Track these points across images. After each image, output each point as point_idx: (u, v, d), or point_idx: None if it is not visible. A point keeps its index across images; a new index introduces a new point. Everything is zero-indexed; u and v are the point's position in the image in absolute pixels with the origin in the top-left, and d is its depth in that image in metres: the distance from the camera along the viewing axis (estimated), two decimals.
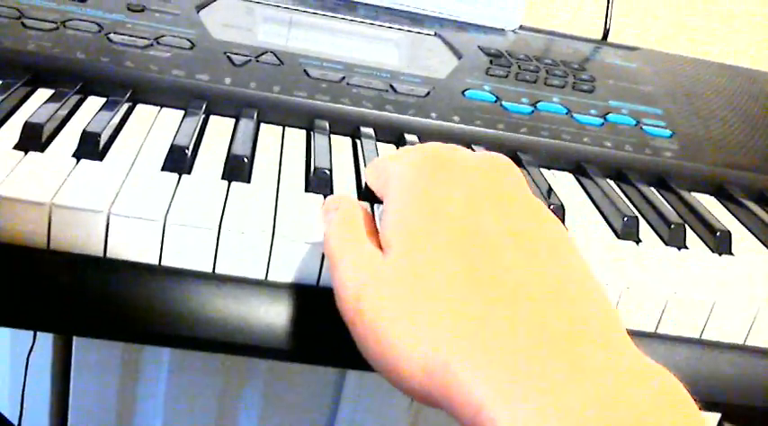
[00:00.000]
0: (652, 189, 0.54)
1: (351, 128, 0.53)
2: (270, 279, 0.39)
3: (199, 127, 0.48)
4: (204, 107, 0.50)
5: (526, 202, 0.33)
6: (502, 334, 0.27)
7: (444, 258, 0.30)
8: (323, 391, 1.06)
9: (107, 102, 0.48)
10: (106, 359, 1.00)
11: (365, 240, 0.33)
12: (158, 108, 0.51)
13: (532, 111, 0.57)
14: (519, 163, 0.54)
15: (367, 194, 0.44)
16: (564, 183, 0.54)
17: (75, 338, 0.98)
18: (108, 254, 0.38)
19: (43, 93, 0.49)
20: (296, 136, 0.52)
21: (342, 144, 0.52)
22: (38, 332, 0.92)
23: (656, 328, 0.42)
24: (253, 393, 1.05)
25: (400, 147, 0.40)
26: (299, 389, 1.05)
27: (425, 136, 0.53)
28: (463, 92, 0.57)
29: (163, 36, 0.54)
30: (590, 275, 0.31)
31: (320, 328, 0.39)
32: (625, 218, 0.47)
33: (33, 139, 0.42)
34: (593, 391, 0.25)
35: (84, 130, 0.42)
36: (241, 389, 1.05)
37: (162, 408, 1.04)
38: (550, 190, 0.49)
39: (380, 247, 0.32)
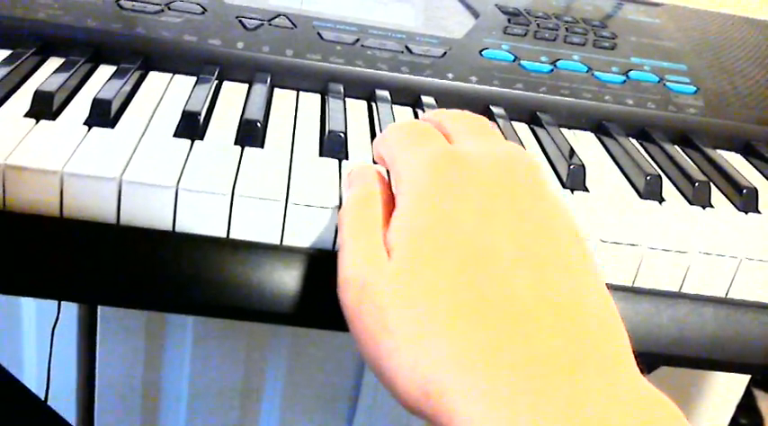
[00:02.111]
0: (676, 147, 0.53)
1: (366, 91, 0.52)
2: (284, 243, 0.39)
3: (211, 92, 0.47)
4: (217, 72, 0.49)
5: (542, 211, 0.31)
6: (503, 364, 0.26)
7: (449, 277, 0.28)
8: (346, 372, 1.06)
9: (118, 69, 0.47)
10: (131, 329, 1.00)
11: (378, 229, 0.32)
12: (170, 74, 0.50)
13: (552, 70, 0.56)
14: (539, 123, 0.52)
15: None
16: (585, 143, 0.53)
17: (99, 309, 0.99)
18: (121, 221, 0.38)
19: (54, 62, 0.48)
20: (310, 100, 0.51)
21: (357, 107, 0.51)
22: (62, 305, 0.93)
23: (681, 287, 0.41)
24: (278, 359, 1.05)
25: (410, 121, 0.38)
26: (322, 370, 1.06)
27: (442, 97, 0.52)
28: (481, 51, 0.56)
29: (174, 1, 0.54)
30: (602, 292, 0.29)
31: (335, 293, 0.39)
32: (648, 177, 0.46)
33: (45, 107, 0.41)
34: (594, 421, 0.24)
35: (95, 98, 0.42)
36: (266, 355, 1.05)
37: (188, 376, 1.05)
38: (572, 151, 0.48)
39: None
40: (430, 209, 0.30)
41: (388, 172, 0.37)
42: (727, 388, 1.06)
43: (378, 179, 0.35)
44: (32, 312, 1.00)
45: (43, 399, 0.88)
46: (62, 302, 0.94)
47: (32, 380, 1.01)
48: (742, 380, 1.06)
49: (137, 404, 1.06)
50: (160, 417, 1.08)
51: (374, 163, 0.42)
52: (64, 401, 1.03)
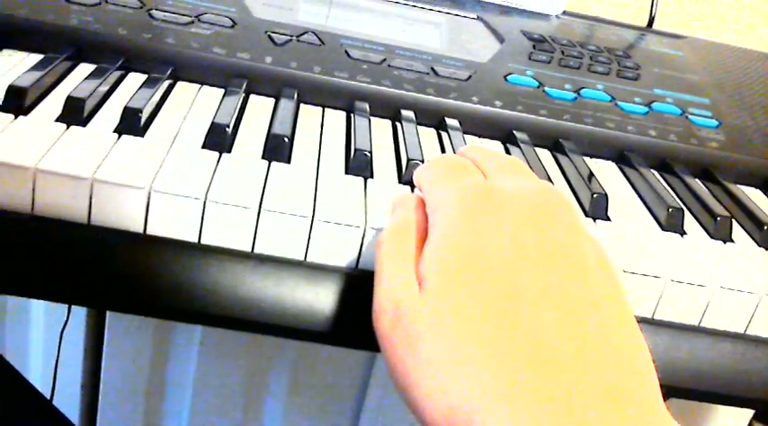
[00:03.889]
0: (697, 180, 0.53)
1: (391, 111, 0.52)
2: (308, 260, 0.39)
3: (239, 105, 0.47)
4: (245, 86, 0.50)
5: (572, 247, 0.31)
6: (530, 398, 0.26)
7: (479, 311, 0.29)
8: (352, 373, 1.06)
9: (148, 78, 0.48)
10: (138, 336, 1.00)
11: (413, 258, 0.32)
12: (198, 85, 0.51)
13: (576, 98, 0.56)
14: (561, 150, 0.53)
15: (408, 181, 0.44)
16: (607, 172, 0.53)
17: (108, 314, 0.99)
18: (148, 231, 0.38)
19: (85, 68, 0.49)
20: (336, 117, 0.51)
21: (382, 126, 0.51)
22: (72, 309, 0.93)
23: (700, 322, 0.41)
24: (281, 373, 1.05)
25: (449, 155, 0.39)
26: (327, 371, 1.06)
27: (467, 120, 0.52)
28: (505, 76, 0.56)
29: (204, 13, 0.54)
30: (631, 329, 0.30)
31: (358, 311, 0.39)
32: (670, 209, 0.46)
33: (76, 113, 0.42)
34: None
35: (126, 106, 0.42)
36: (269, 369, 1.05)
37: (191, 385, 1.05)
38: (594, 179, 0.48)
39: None
40: (461, 242, 0.31)
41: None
42: (732, 421, 1.05)
43: (416, 208, 0.36)
44: (41, 312, 1.00)
45: (48, 398, 0.88)
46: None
47: (38, 379, 1.01)
48: (746, 413, 1.05)
49: (140, 405, 1.05)
50: (164, 418, 1.08)
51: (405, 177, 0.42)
52: (68, 401, 1.03)
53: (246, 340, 1.02)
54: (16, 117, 0.41)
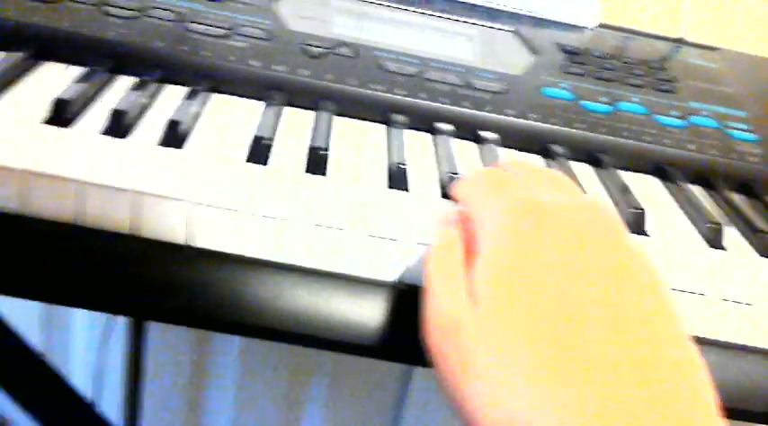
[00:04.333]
0: (737, 195, 0.52)
1: (427, 124, 0.52)
2: (350, 273, 0.39)
3: (279, 119, 0.48)
4: (282, 98, 0.50)
5: (622, 263, 0.31)
6: (582, 414, 0.26)
7: (533, 327, 0.29)
8: (391, 382, 1.06)
9: (188, 91, 0.48)
10: (179, 342, 1.01)
11: (462, 273, 0.32)
12: (235, 97, 0.51)
13: (611, 111, 0.56)
14: (598, 163, 0.52)
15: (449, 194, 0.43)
16: (644, 186, 0.52)
17: (149, 326, 1.00)
18: (189, 242, 0.38)
19: (124, 81, 0.49)
20: (373, 129, 0.51)
21: (418, 139, 0.51)
22: (116, 318, 0.94)
23: (748, 341, 0.41)
24: (320, 383, 1.05)
25: (490, 169, 0.39)
26: (366, 380, 1.06)
27: (502, 133, 0.52)
28: (540, 89, 0.56)
29: (240, 26, 0.54)
30: (684, 345, 0.29)
31: (401, 325, 0.39)
32: (711, 225, 0.46)
33: (119, 126, 0.42)
34: None
35: (169, 119, 0.42)
36: (309, 379, 1.05)
37: (232, 395, 1.05)
38: (631, 194, 0.48)
39: None
40: (512, 258, 0.31)
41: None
42: None
43: (462, 223, 0.36)
44: (84, 320, 1.01)
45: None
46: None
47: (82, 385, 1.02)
48: None
49: (181, 414, 1.06)
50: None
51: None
52: (110, 408, 1.03)
53: (286, 350, 1.03)
54: (61, 129, 0.41)
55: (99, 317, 1.00)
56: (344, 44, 0.55)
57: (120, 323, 0.99)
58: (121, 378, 1.02)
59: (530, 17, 0.68)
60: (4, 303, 0.68)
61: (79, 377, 1.02)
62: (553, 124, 0.53)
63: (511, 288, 0.30)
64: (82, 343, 1.03)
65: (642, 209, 0.46)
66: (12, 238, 0.38)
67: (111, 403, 1.02)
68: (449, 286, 0.32)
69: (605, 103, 0.56)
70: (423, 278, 0.34)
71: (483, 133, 0.52)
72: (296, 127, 0.48)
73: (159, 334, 1.01)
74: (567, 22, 0.69)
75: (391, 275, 0.39)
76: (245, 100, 0.51)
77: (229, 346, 1.03)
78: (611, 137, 0.53)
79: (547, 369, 0.27)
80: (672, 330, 0.29)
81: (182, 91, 0.49)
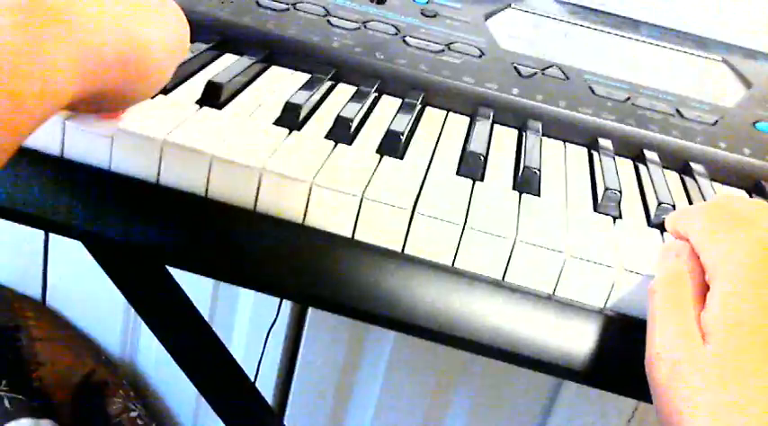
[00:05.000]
0: None
1: (634, 151, 0.52)
2: (556, 294, 0.39)
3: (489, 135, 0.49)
4: (492, 115, 0.51)
5: None
6: None
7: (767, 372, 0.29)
8: (536, 397, 1.06)
9: (403, 103, 0.50)
10: (334, 337, 1.05)
11: (691, 308, 0.32)
12: (446, 112, 0.53)
13: None
14: None
15: (658, 224, 0.43)
16: None
17: (308, 317, 1.05)
18: (406, 251, 0.40)
19: (343, 88, 0.52)
20: (578, 153, 0.51)
21: (623, 165, 0.51)
22: (280, 308, 0.99)
23: None
24: (465, 391, 1.06)
25: (716, 203, 0.38)
26: (511, 392, 1.06)
27: (711, 166, 0.51)
28: (754, 123, 0.55)
29: (454, 42, 0.56)
30: None
31: (605, 351, 0.39)
32: None
33: (344, 132, 0.45)
34: None
35: (388, 129, 0.45)
36: (454, 386, 1.06)
37: (378, 392, 1.08)
38: None
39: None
40: (753, 299, 0.30)
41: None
42: None
43: (690, 258, 0.35)
44: (249, 308, 1.07)
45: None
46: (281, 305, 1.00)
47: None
48: None
49: (328, 404, 1.10)
50: (347, 419, 1.12)
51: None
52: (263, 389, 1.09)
53: (435, 354, 1.04)
54: (290, 132, 0.44)
55: (265, 301, 1.05)
56: (554, 66, 0.56)
57: (285, 309, 1.04)
58: (278, 362, 1.07)
59: (742, 48, 0.66)
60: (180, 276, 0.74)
61: (238, 350, 1.08)
62: (767, 161, 0.52)
63: (751, 329, 0.30)
64: (245, 323, 1.09)
65: None
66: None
67: (263, 386, 1.07)
68: (678, 320, 0.32)
69: None
70: (648, 308, 0.34)
71: (693, 165, 0.51)
72: (504, 144, 0.50)
73: (318, 324, 1.06)
74: None
75: (599, 300, 0.39)
76: (454, 114, 0.52)
77: (383, 342, 1.06)
78: None
79: None
80: None
81: (396, 102, 0.51)
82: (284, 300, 1.00)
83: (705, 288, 0.33)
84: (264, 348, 1.00)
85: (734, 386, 0.28)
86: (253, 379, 0.99)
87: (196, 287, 0.82)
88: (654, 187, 0.46)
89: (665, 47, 0.64)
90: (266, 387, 1.10)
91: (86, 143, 0.41)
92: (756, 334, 0.29)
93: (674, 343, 0.31)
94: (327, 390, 1.10)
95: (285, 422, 1.09)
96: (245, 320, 1.07)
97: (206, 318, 0.82)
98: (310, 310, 1.04)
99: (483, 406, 1.07)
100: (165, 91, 0.46)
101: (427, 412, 1.09)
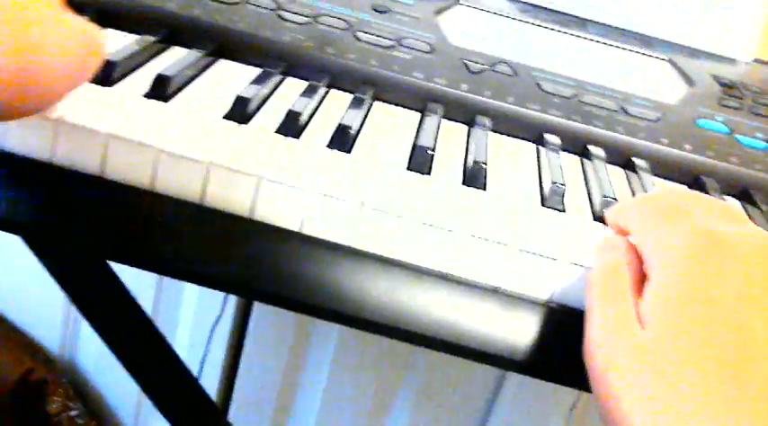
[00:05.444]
0: None
1: (579, 147, 0.53)
2: (504, 287, 0.40)
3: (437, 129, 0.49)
4: (441, 110, 0.51)
5: None
6: None
7: (704, 362, 0.29)
8: (479, 390, 1.07)
9: (354, 98, 0.50)
10: (278, 333, 1.04)
11: (628, 297, 0.33)
12: (395, 107, 0.53)
13: (767, 148, 0.55)
14: (751, 201, 0.52)
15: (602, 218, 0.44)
16: None
17: (254, 312, 1.04)
18: (359, 247, 0.40)
19: (293, 82, 0.52)
20: (525, 148, 0.52)
21: (568, 160, 0.52)
22: (226, 303, 0.99)
23: None
24: (410, 384, 1.07)
25: (656, 195, 0.39)
26: (455, 385, 1.07)
27: (654, 162, 0.52)
28: (695, 120, 0.56)
29: (404, 38, 0.56)
30: None
31: (550, 343, 0.39)
32: None
33: (293, 125, 0.44)
34: None
35: (339, 124, 0.45)
36: (400, 380, 1.07)
37: (323, 387, 1.08)
38: None
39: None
40: (689, 286, 0.31)
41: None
42: None
43: (628, 250, 0.36)
44: (193, 303, 1.06)
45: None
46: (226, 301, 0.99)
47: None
48: None
49: (273, 400, 1.09)
50: (292, 415, 1.12)
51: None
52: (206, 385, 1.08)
53: (380, 348, 1.05)
54: (239, 126, 0.44)
55: (210, 296, 1.04)
56: (503, 62, 0.57)
57: (230, 304, 1.03)
58: (222, 358, 1.07)
59: (686, 47, 0.68)
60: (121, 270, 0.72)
61: (181, 347, 1.07)
62: (707, 156, 0.53)
63: (686, 314, 0.30)
64: (189, 318, 1.08)
65: None
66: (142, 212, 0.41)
67: (207, 382, 1.06)
68: (616, 308, 0.33)
69: (761, 140, 0.55)
70: (587, 299, 0.35)
71: (636, 160, 0.52)
72: (451, 139, 0.50)
73: (263, 318, 1.05)
74: (721, 53, 0.68)
75: (544, 293, 0.40)
76: (403, 109, 0.53)
77: (328, 337, 1.06)
78: (766, 175, 0.53)
79: (717, 399, 0.28)
80: None
81: (346, 97, 0.51)
82: (229, 295, 0.99)
83: (643, 278, 0.34)
84: (209, 344, 0.99)
85: (670, 368, 0.29)
86: (196, 375, 0.98)
87: (139, 282, 0.81)
88: (598, 181, 0.47)
89: (611, 45, 0.65)
90: (210, 384, 1.09)
91: (27, 135, 0.40)
92: (691, 320, 0.30)
93: (611, 332, 0.32)
94: (272, 385, 1.09)
95: (230, 418, 1.09)
96: (189, 315, 1.06)
97: (149, 314, 0.80)
98: (255, 305, 1.03)
99: (428, 399, 1.08)
100: (111, 82, 0.45)
101: (373, 405, 1.09)
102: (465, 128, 0.52)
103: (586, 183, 0.49)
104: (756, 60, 0.69)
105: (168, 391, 0.85)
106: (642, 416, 0.29)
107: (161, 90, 0.45)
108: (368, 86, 0.52)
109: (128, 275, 0.73)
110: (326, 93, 0.52)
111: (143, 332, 0.82)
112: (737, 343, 0.29)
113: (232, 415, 1.11)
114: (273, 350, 1.06)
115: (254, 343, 1.06)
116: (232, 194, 0.40)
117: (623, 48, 0.64)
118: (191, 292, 1.05)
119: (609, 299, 0.33)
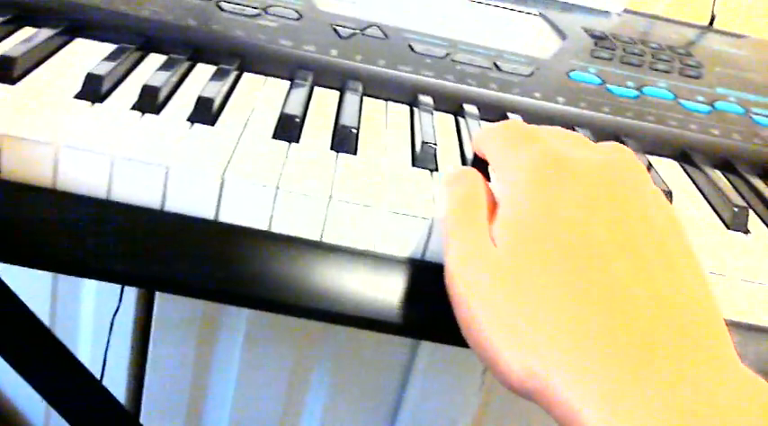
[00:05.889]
0: (759, 180, 0.52)
1: (454, 106, 0.53)
2: (376, 251, 0.39)
3: (306, 97, 0.48)
4: (310, 78, 0.50)
5: (643, 206, 0.32)
6: (602, 348, 0.27)
7: (551, 264, 0.30)
8: (394, 365, 1.07)
9: (218, 70, 0.48)
10: (184, 323, 1.02)
11: (484, 224, 0.33)
12: (264, 77, 0.51)
13: (638, 96, 0.56)
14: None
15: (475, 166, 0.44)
16: (669, 171, 0.53)
17: (156, 302, 1.01)
18: (220, 218, 0.39)
19: (155, 58, 0.50)
20: (399, 110, 0.51)
21: (444, 121, 0.52)
22: (123, 295, 0.95)
23: None
24: (324, 363, 1.06)
25: (513, 121, 0.39)
26: (370, 361, 1.07)
27: (529, 116, 0.52)
28: (568, 73, 0.56)
29: (271, 6, 0.55)
30: (703, 286, 0.30)
31: (425, 302, 0.39)
32: (736, 209, 0.46)
33: (150, 102, 0.43)
34: (695, 401, 0.25)
35: (199, 96, 0.43)
36: (313, 358, 1.06)
37: (235, 375, 1.06)
38: (654, 170, 0.48)
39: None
40: (535, 203, 0.32)
41: (484, 172, 0.38)
42: None
43: (476, 177, 0.37)
44: (92, 299, 1.02)
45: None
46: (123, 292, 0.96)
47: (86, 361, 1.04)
48: None
49: (185, 392, 1.07)
50: (206, 405, 1.10)
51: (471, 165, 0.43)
52: (114, 386, 1.05)
53: (291, 332, 1.04)
54: (93, 104, 0.42)
55: (109, 290, 1.01)
56: (374, 25, 0.56)
57: (130, 303, 1.01)
58: (127, 354, 1.04)
59: (557, 1, 0.69)
60: (13, 275, 0.69)
61: (85, 349, 1.04)
62: (580, 108, 0.53)
63: (533, 228, 0.31)
64: (89, 317, 1.04)
65: (669, 192, 0.46)
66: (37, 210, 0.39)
67: (114, 379, 1.04)
68: (472, 234, 0.33)
69: (632, 88, 0.56)
70: (443, 232, 0.35)
71: (510, 115, 0.52)
72: (324, 106, 0.49)
73: (167, 310, 1.03)
74: (592, 6, 0.69)
75: (416, 252, 0.39)
76: (276, 79, 0.51)
77: (236, 325, 1.04)
78: (637, 122, 0.54)
79: (567, 301, 0.28)
80: (691, 272, 0.31)
81: (211, 69, 0.49)
82: (126, 287, 0.96)
83: (496, 205, 0.34)
84: (109, 338, 0.96)
85: (522, 284, 0.30)
86: (99, 377, 0.95)
87: (33, 283, 0.77)
88: (470, 139, 0.47)
89: (483, 3, 0.65)
90: (118, 384, 1.05)
91: None
92: (537, 231, 0.31)
93: (468, 256, 0.32)
94: (183, 378, 1.07)
95: (142, 415, 1.06)
96: (89, 313, 1.02)
97: (47, 317, 0.77)
98: (157, 295, 1.01)
99: (343, 375, 1.07)
100: None
101: (288, 389, 1.08)
102: (338, 94, 0.51)
103: (460, 142, 0.49)
104: (626, 11, 0.70)
105: (71, 397, 0.82)
106: (503, 332, 0.29)
107: (7, 72, 0.43)
108: (234, 57, 0.50)
109: (21, 276, 0.70)
110: (191, 66, 0.50)
111: (36, 336, 0.78)
112: (582, 250, 0.30)
113: (144, 413, 1.08)
114: (181, 342, 1.04)
115: (159, 337, 1.04)
116: (85, 176, 0.38)
117: (495, 6, 0.64)
118: (89, 289, 1.01)
119: (464, 226, 0.34)
